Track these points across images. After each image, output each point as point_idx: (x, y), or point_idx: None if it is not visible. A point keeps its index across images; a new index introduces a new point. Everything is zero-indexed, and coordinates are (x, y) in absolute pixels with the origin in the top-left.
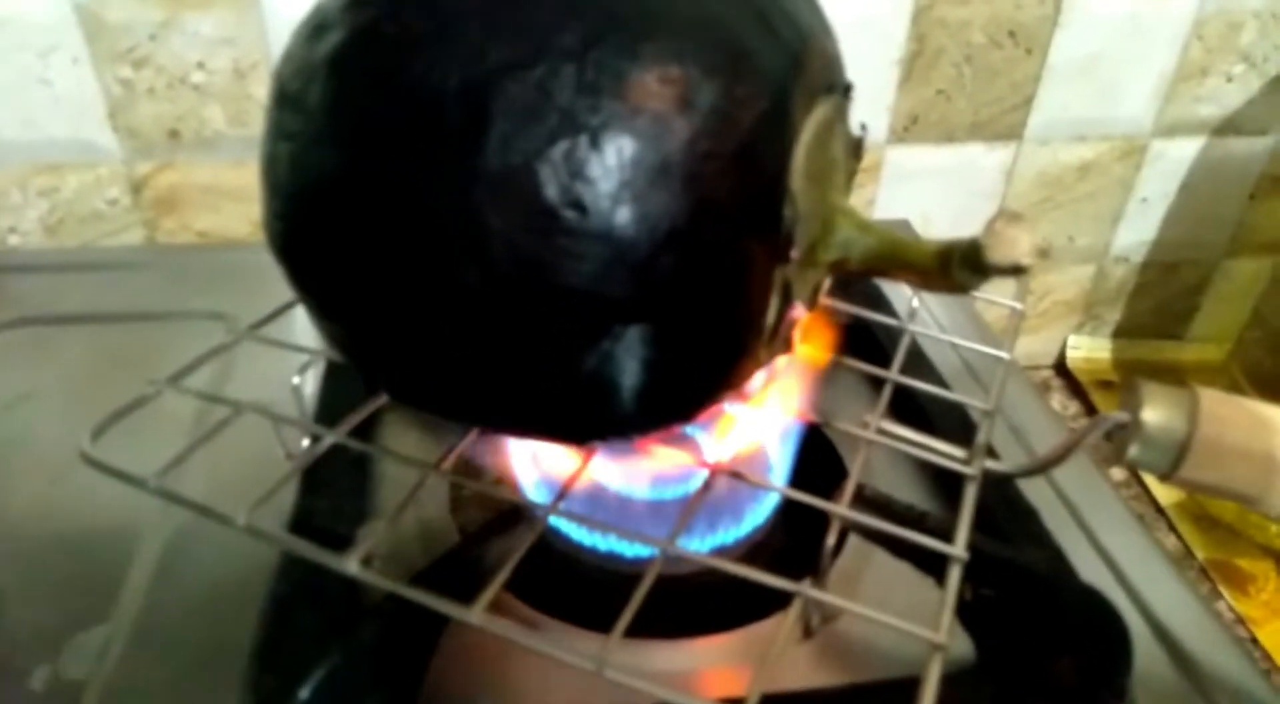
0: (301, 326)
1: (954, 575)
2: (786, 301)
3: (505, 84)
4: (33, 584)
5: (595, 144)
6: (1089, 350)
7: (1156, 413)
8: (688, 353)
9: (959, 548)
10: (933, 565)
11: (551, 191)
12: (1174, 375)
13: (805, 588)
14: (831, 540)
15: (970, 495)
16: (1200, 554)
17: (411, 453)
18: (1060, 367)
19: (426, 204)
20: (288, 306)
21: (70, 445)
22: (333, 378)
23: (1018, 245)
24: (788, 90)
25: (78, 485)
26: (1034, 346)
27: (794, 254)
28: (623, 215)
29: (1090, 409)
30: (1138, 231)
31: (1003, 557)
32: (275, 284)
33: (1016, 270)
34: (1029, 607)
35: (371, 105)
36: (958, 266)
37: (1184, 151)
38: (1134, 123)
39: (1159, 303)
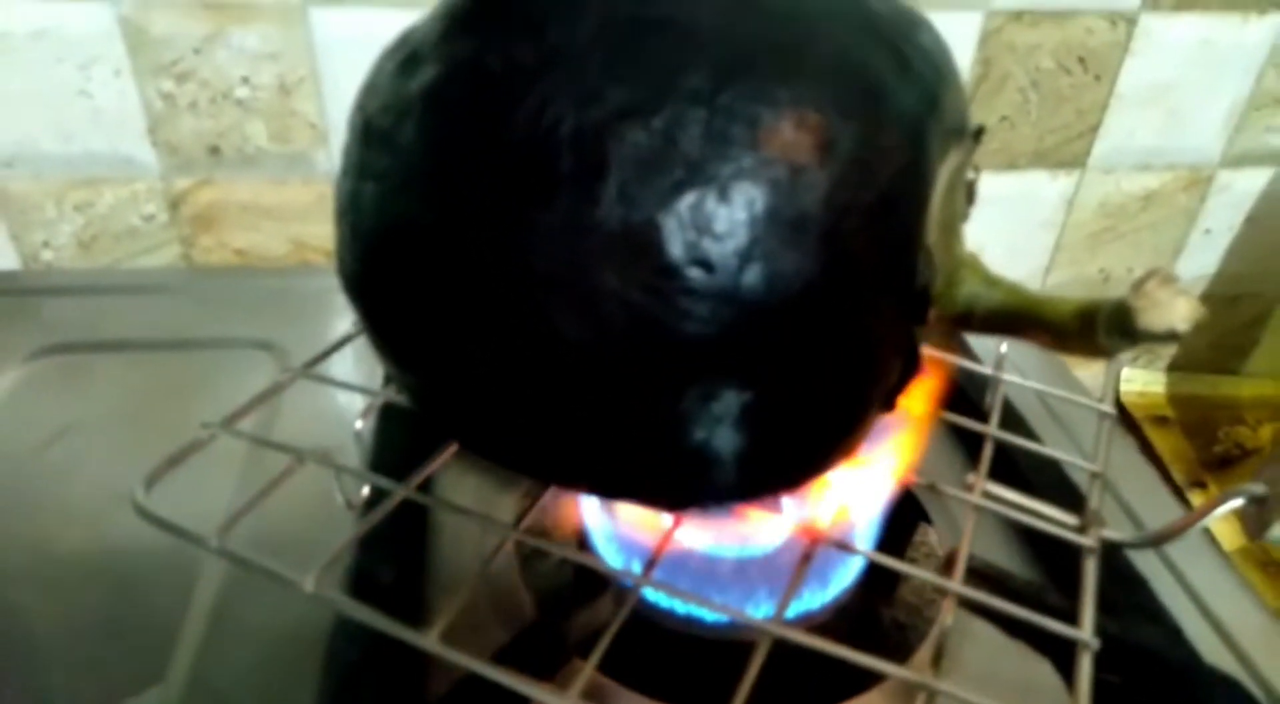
0: (354, 361)
1: (1085, 667)
2: (911, 363)
3: (625, 129)
4: (77, 642)
5: (725, 197)
6: (1143, 384)
7: None
8: (806, 420)
9: (1087, 632)
10: (1049, 646)
11: (675, 248)
12: (1230, 412)
13: (931, 680)
14: (949, 620)
15: (1091, 571)
16: (1269, 603)
17: (470, 502)
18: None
19: (530, 257)
20: (343, 342)
21: (114, 485)
22: (388, 418)
23: (1173, 309)
24: (926, 136)
25: (124, 528)
26: (1085, 379)
27: (929, 314)
28: (752, 274)
29: (1144, 445)
30: (1199, 264)
31: (1130, 640)
32: (320, 312)
33: (1171, 337)
34: (1159, 697)
35: (473, 147)
36: (1104, 330)
37: (1251, 183)
38: (1201, 152)
39: (1217, 337)
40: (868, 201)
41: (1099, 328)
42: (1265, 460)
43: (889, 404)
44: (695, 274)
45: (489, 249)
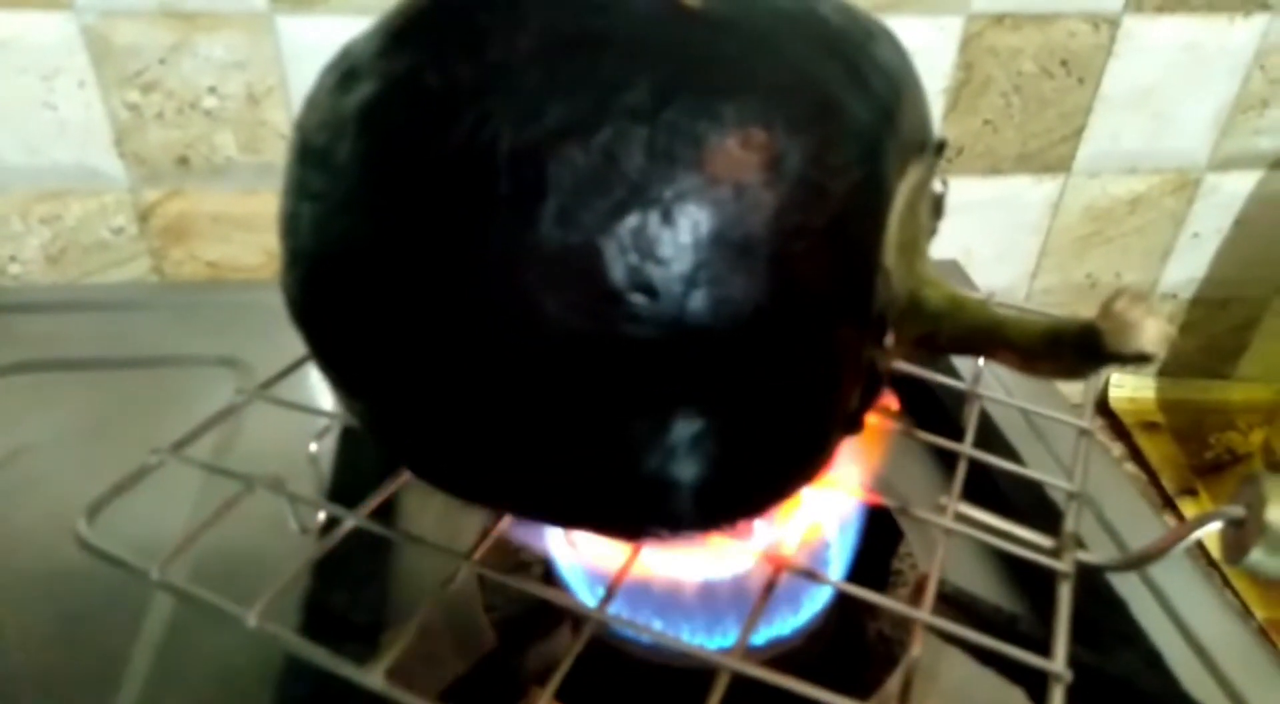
0: (317, 380)
1: (1057, 700)
2: (873, 385)
3: (565, 148)
4: (20, 674)
5: (668, 219)
6: (1133, 389)
7: None
8: (764, 447)
9: (1059, 663)
10: (1023, 675)
11: (617, 273)
12: (1222, 416)
13: None
14: (916, 651)
15: (1065, 597)
16: (1259, 613)
17: (432, 528)
18: (1103, 405)
19: (470, 281)
20: (301, 362)
21: (64, 510)
22: (351, 439)
23: (1143, 331)
24: (882, 153)
25: (72, 555)
26: (1075, 384)
27: (887, 338)
28: (698, 300)
29: (1134, 451)
30: (1188, 267)
31: (1106, 669)
32: (288, 327)
33: (1141, 359)
34: None
35: (409, 167)
36: (1070, 352)
37: (1239, 185)
38: (1188, 155)
39: (1207, 341)
40: (819, 222)
41: (1065, 349)
42: (1242, 481)
43: (854, 426)
44: (638, 299)
45: (427, 273)
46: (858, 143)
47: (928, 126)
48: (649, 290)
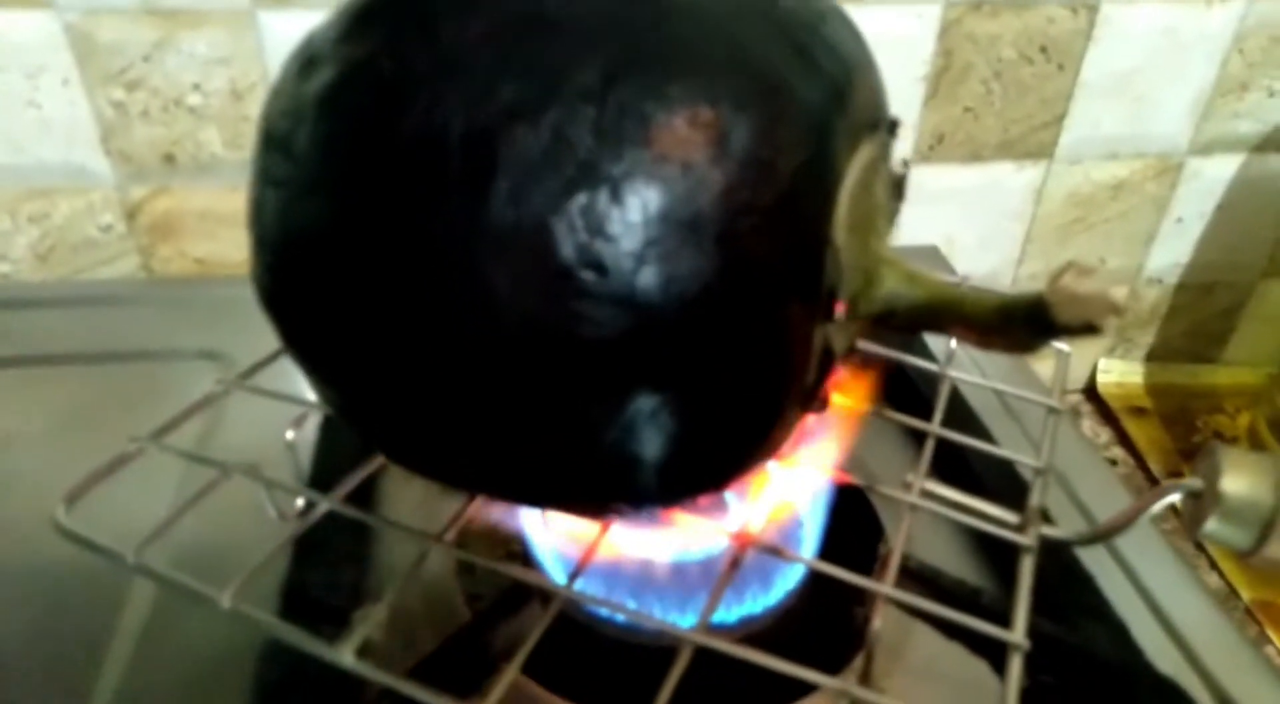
0: (297, 370)
1: (1015, 668)
2: (827, 361)
3: (515, 128)
4: (4, 664)
5: (617, 197)
6: (1120, 375)
7: (1238, 482)
8: (720, 422)
9: (1018, 634)
10: (987, 647)
11: (567, 250)
12: (1209, 400)
13: (852, 687)
14: (877, 623)
15: (1027, 570)
16: (1245, 595)
17: (412, 512)
18: (1090, 391)
19: (426, 262)
20: (280, 352)
21: (49, 502)
22: (330, 426)
23: (1090, 303)
24: (831, 132)
25: (52, 545)
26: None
27: (838, 313)
28: (647, 277)
29: (1122, 436)
30: (1172, 252)
31: (1067, 640)
32: None
33: (1089, 330)
34: (1095, 698)
35: (365, 151)
36: (1021, 325)
37: (1221, 170)
38: (1169, 140)
39: (1193, 325)
40: (766, 200)
41: (1017, 323)
42: (1199, 455)
43: (813, 403)
44: (589, 277)
45: (385, 256)
46: (806, 121)
47: (881, 106)
48: (599, 267)
